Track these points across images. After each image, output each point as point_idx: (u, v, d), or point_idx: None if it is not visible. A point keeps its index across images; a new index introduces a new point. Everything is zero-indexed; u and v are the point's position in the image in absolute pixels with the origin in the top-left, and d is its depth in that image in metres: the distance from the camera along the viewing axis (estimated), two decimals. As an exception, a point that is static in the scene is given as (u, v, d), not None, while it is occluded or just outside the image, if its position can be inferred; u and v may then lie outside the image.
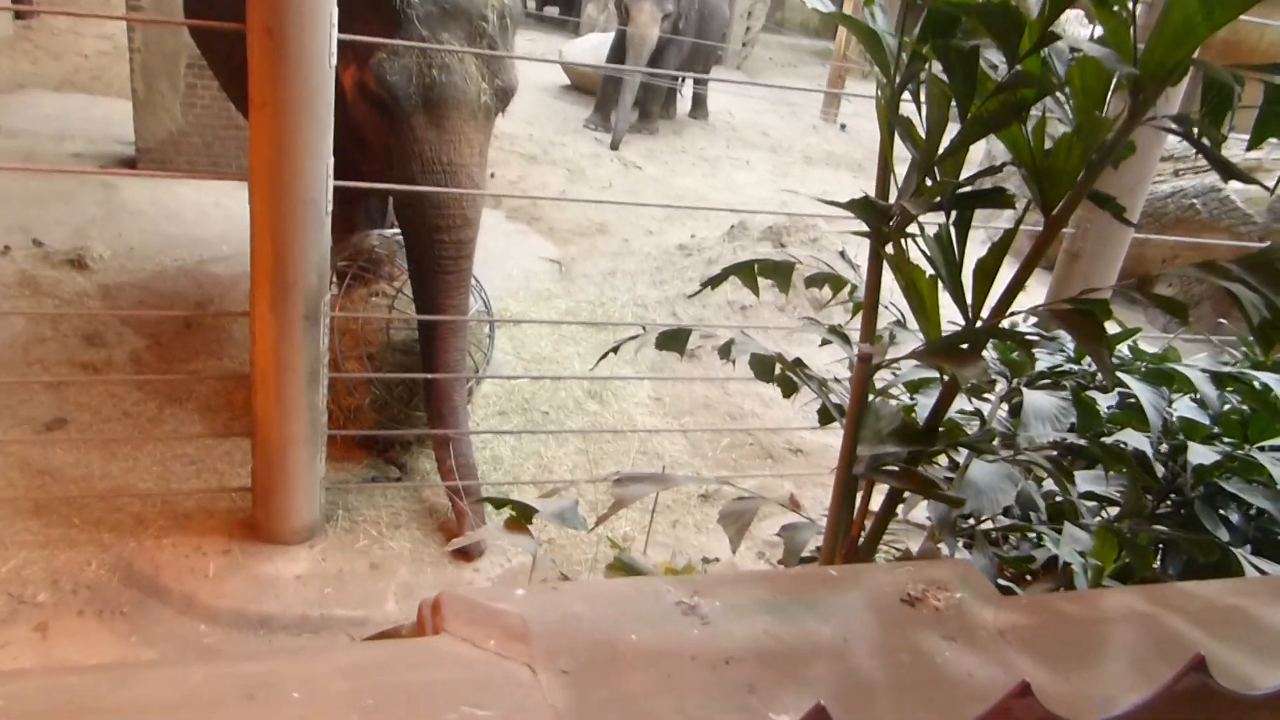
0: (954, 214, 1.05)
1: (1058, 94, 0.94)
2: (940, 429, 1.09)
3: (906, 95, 1.05)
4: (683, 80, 11.22)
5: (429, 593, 2.53)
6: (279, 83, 2.60)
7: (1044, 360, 1.72)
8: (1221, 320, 4.46)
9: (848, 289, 1.46)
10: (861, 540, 1.14)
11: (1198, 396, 1.37)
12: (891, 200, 1.02)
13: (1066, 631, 0.67)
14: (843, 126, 12.00)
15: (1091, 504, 1.52)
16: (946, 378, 1.07)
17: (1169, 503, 1.49)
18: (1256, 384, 1.37)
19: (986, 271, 1.00)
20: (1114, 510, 1.48)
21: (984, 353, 1.59)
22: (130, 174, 6.53)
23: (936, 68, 0.96)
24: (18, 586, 2.86)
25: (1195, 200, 6.60)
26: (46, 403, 3.81)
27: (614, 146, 9.38)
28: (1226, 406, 1.43)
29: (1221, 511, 1.42)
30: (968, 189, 1.02)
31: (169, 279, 5.10)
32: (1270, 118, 0.91)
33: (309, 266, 2.81)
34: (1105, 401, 1.56)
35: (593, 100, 10.45)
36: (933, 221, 1.07)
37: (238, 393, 3.95)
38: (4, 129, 7.08)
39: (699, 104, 11.44)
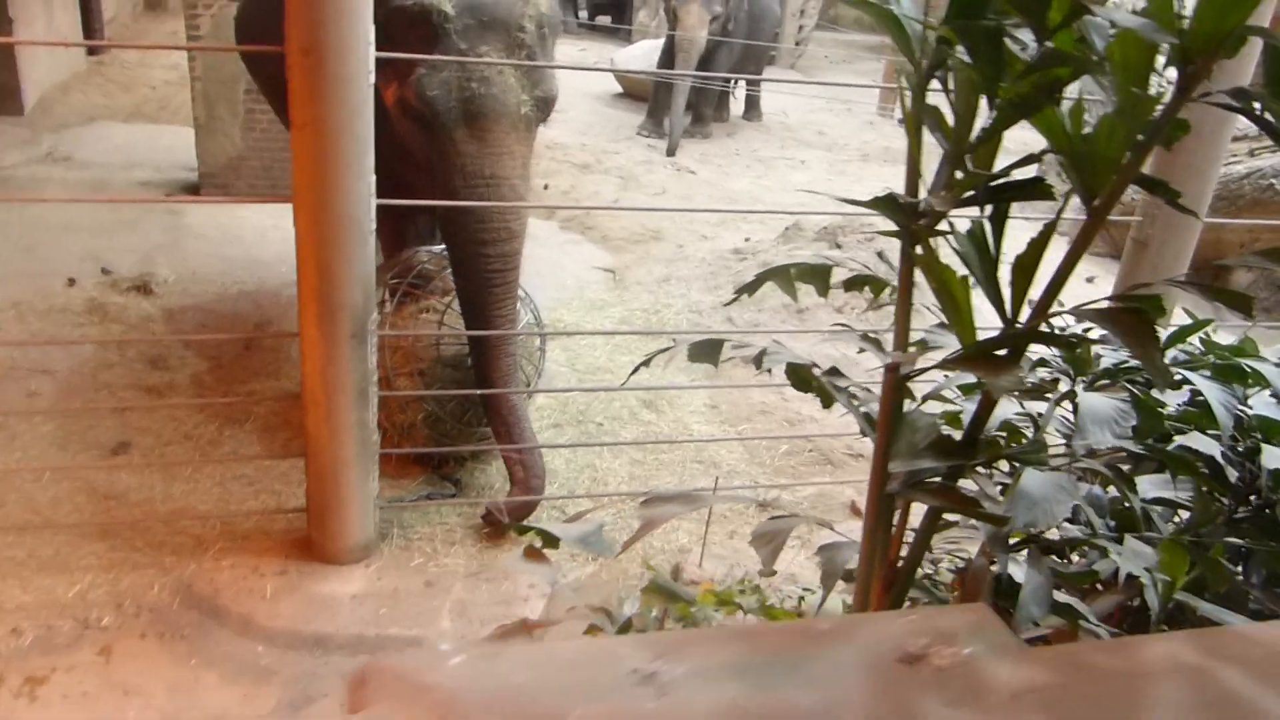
0: (988, 208, 0.97)
1: (1097, 73, 0.86)
2: (982, 440, 1.02)
3: (936, 85, 0.98)
4: (735, 82, 11.14)
5: (484, 610, 2.49)
6: (318, 103, 2.61)
7: (1110, 358, 1.62)
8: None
9: (888, 291, 1.39)
10: (901, 561, 1.07)
11: (1276, 392, 1.26)
12: (923, 196, 0.95)
13: (1097, 691, 0.59)
14: (901, 121, 11.77)
15: (1163, 510, 1.43)
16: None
17: (1248, 507, 1.38)
18: (1337, 381, 1.27)
19: (1025, 268, 0.93)
20: (1186, 517, 1.38)
21: (1047, 352, 1.51)
22: (181, 200, 6.69)
23: (962, 51, 0.89)
24: (83, 610, 2.90)
25: (1274, 180, 6.32)
26: (112, 427, 3.89)
27: (670, 153, 9.33)
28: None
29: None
30: (1002, 180, 0.95)
31: (230, 301, 5.19)
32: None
33: (354, 285, 2.81)
34: (1177, 399, 1.46)
35: (645, 107, 10.42)
36: (969, 217, 1.00)
37: (294, 413, 3.98)
38: (76, 160, 7.32)
39: (752, 105, 11.34)
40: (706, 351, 1.31)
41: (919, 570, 1.29)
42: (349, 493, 3.08)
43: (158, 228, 6.07)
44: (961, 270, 0.98)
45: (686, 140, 9.91)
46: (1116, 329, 0.85)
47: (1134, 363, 1.53)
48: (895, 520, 1.08)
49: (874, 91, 12.41)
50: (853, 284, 1.36)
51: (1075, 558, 1.36)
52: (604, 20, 16.88)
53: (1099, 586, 1.50)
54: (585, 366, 4.77)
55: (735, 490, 3.71)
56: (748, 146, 10.15)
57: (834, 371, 1.21)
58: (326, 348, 2.86)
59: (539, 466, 3.49)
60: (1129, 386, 1.17)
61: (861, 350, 1.24)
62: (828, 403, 1.25)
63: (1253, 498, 1.31)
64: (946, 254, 1.01)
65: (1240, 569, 1.42)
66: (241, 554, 3.19)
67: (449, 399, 3.65)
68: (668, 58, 9.83)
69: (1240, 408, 1.28)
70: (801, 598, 1.86)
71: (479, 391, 3.49)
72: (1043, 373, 1.50)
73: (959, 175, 0.95)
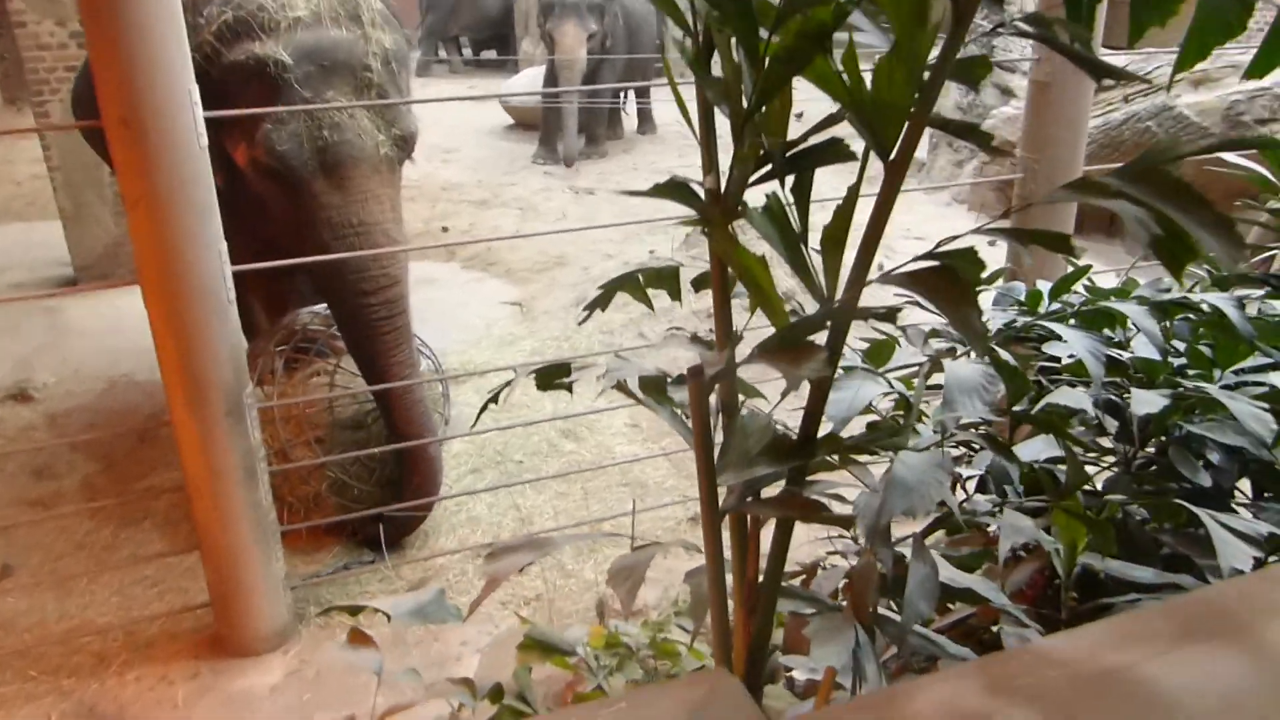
0: (789, 180, 0.88)
1: (866, 13, 0.77)
2: (820, 436, 0.91)
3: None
4: (624, 98, 11.12)
5: (416, 678, 2.30)
6: (147, 176, 2.44)
7: (1000, 319, 1.54)
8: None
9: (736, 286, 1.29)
10: (762, 578, 0.96)
11: (1144, 330, 1.19)
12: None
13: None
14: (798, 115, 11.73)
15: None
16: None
17: (1144, 455, 1.30)
18: (1205, 307, 1.19)
19: (834, 240, 0.83)
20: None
21: (939, 322, 1.42)
22: (38, 296, 6.39)
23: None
24: (-23, 754, 2.68)
25: (1149, 122, 6.44)
26: (-3, 549, 3.63)
27: (568, 164, 9.31)
28: (1190, 339, 1.25)
29: (1206, 455, 1.24)
30: (802, 147, 0.85)
31: (118, 395, 4.94)
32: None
33: (221, 361, 2.64)
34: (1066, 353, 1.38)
35: (537, 135, 10.33)
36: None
37: (195, 501, 3.78)
38: (-58, 272, 6.95)
39: (645, 118, 11.32)
40: (554, 376, 1.19)
41: (789, 581, 1.20)
42: (253, 578, 2.89)
43: (34, 329, 5.75)
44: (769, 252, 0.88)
45: (583, 162, 9.84)
46: (927, 291, 0.75)
47: (1015, 320, 1.45)
48: (748, 534, 0.98)
49: (760, 88, 12.48)
50: (701, 283, 1.25)
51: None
52: (489, 54, 16.78)
53: (1023, 555, 1.42)
54: (500, 405, 4.61)
55: (564, 539, 3.60)
56: (645, 160, 10.11)
57: (671, 381, 1.10)
58: (202, 431, 2.68)
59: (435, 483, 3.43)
60: (997, 350, 1.08)
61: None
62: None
63: (1149, 449, 1.24)
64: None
65: (1148, 518, 1.35)
66: (148, 663, 2.97)
67: (352, 462, 3.48)
68: (552, 82, 9.77)
69: (1115, 353, 1.20)
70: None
71: (375, 450, 3.35)
72: (937, 344, 1.42)
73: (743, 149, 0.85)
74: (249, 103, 2.98)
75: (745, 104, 0.83)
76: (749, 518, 0.97)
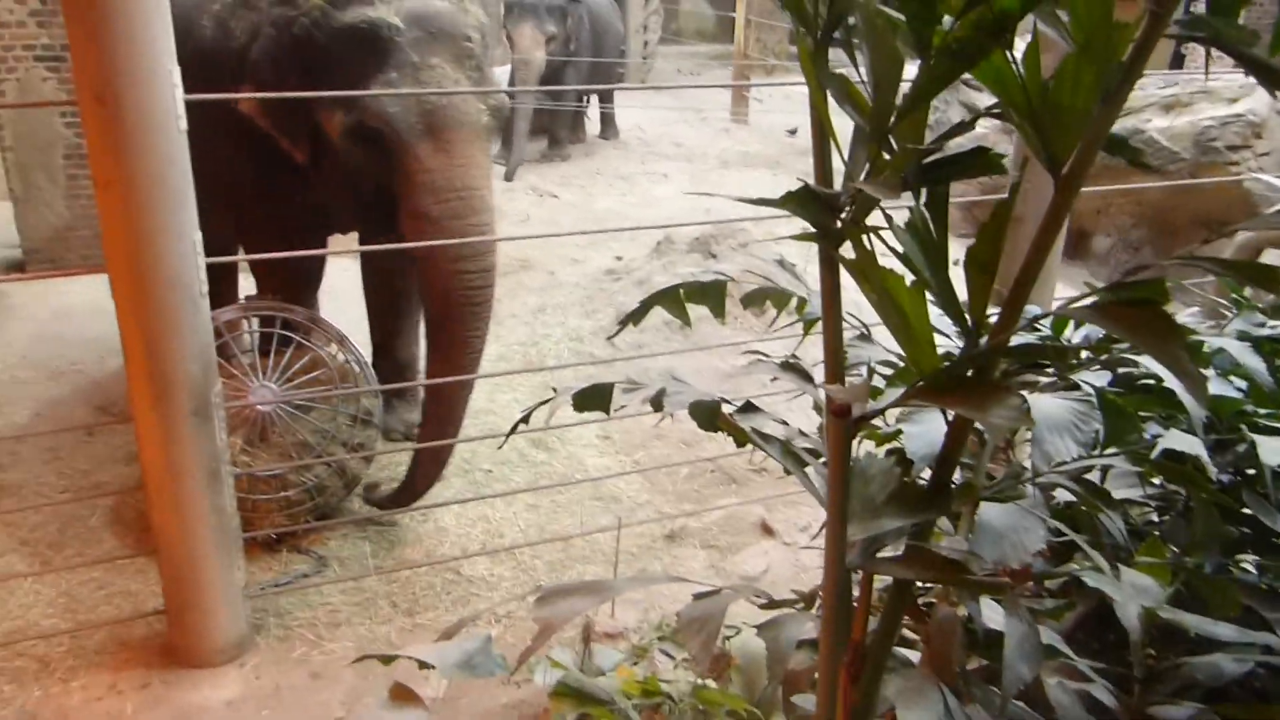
0: (924, 193, 0.80)
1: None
2: (953, 483, 0.84)
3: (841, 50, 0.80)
4: (587, 101, 11.02)
5: (379, 696, 2.18)
6: (123, 158, 2.30)
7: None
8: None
9: (793, 303, 1.21)
10: (869, 639, 0.88)
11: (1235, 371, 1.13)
12: (839, 186, 0.78)
13: None
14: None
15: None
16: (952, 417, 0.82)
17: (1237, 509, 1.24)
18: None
19: (984, 264, 0.75)
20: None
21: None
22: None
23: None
24: (-94, 768, 2.49)
25: (1119, 147, 6.51)
26: (-68, 546, 3.42)
27: (507, 178, 9.02)
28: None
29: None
30: (938, 156, 0.78)
31: (67, 385, 4.72)
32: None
33: (189, 357, 2.49)
34: (1101, 382, 1.32)
35: (499, 137, 10.17)
36: (899, 207, 0.83)
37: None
38: (-122, 250, 6.62)
39: (608, 123, 11.23)
40: (594, 399, 1.10)
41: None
42: (210, 586, 2.74)
43: (-23, 313, 5.50)
44: (904, 273, 0.80)
45: (545, 165, 9.72)
46: (1125, 328, 0.68)
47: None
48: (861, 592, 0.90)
49: (726, 98, 12.49)
50: (752, 299, 1.18)
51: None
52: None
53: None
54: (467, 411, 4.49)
55: (622, 583, 3.51)
56: (608, 165, 10.02)
57: (749, 407, 1.02)
58: (165, 429, 2.54)
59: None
60: (1086, 383, 1.01)
61: (775, 379, 1.05)
62: (743, 442, 1.06)
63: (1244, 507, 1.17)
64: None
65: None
66: (95, 671, 2.81)
67: (331, 467, 3.36)
68: (511, 83, 9.62)
69: (1229, 391, 1.15)
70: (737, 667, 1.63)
71: (342, 458, 3.23)
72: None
73: (886, 156, 0.77)
74: (356, 66, 3.03)
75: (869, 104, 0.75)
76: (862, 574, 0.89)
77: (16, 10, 5.66)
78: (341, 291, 4.83)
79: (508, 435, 1.37)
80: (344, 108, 3.09)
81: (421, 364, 4.45)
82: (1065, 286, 4.28)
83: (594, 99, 11.11)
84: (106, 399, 4.57)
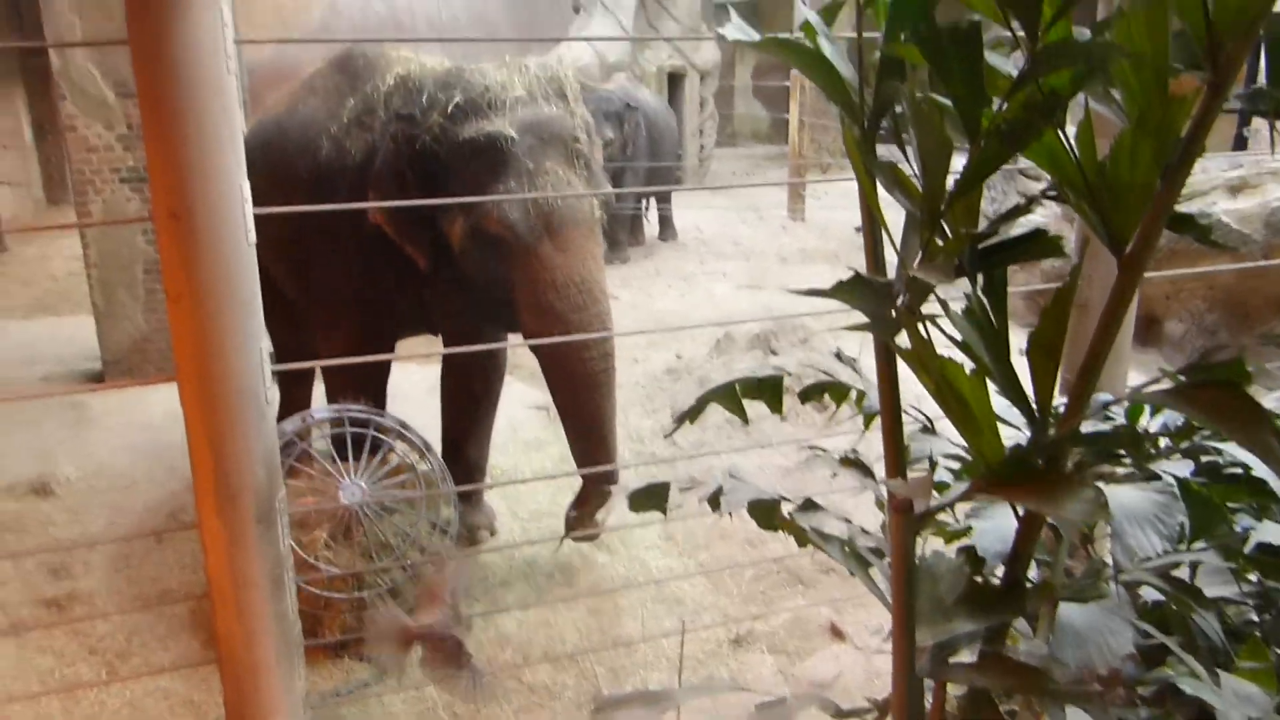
0: (981, 278, 0.78)
1: (1109, 76, 0.68)
2: (1029, 582, 0.79)
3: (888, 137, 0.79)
4: (646, 204, 11.24)
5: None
6: (194, 272, 2.37)
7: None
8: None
9: (852, 396, 1.18)
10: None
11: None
12: (891, 275, 0.76)
13: None
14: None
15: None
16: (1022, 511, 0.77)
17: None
18: None
19: (1048, 348, 0.72)
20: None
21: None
22: (66, 391, 6.33)
23: (921, 79, 0.71)
24: None
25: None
26: (6, 653, 3.46)
27: None
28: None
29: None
30: (993, 240, 0.76)
31: (139, 492, 4.81)
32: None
33: (254, 463, 2.52)
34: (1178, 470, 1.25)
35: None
36: (956, 296, 0.80)
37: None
38: (-27, 363, 6.93)
39: (665, 224, 11.42)
40: (650, 499, 1.07)
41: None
42: (273, 697, 2.70)
43: (59, 423, 5.68)
44: (964, 361, 0.77)
45: (607, 267, 9.88)
46: (1209, 413, 0.64)
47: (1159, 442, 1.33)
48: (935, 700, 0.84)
49: (783, 196, 12.64)
50: (810, 394, 1.15)
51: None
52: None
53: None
54: (528, 513, 4.47)
55: (682, 692, 3.41)
56: (667, 265, 10.14)
57: (809, 505, 0.98)
58: (230, 536, 2.54)
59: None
60: (1167, 473, 0.96)
61: (835, 475, 1.02)
62: (804, 543, 1.02)
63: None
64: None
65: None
66: (157, 785, 2.78)
67: (407, 572, 3.35)
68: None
69: None
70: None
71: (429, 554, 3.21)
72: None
73: (939, 240, 0.75)
74: (476, 176, 3.25)
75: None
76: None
77: (105, 135, 6.01)
78: (405, 394, 4.89)
79: (564, 538, 1.34)
80: (465, 214, 3.30)
81: (488, 464, 4.49)
82: (1138, 373, 4.16)
83: (652, 202, 11.33)
84: (176, 506, 4.65)
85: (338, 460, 3.46)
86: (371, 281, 3.72)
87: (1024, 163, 0.84)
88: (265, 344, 2.52)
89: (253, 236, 2.45)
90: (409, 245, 3.45)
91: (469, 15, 18.33)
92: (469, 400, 4.26)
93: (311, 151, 3.65)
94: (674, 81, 14.77)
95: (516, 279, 3.32)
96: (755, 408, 1.47)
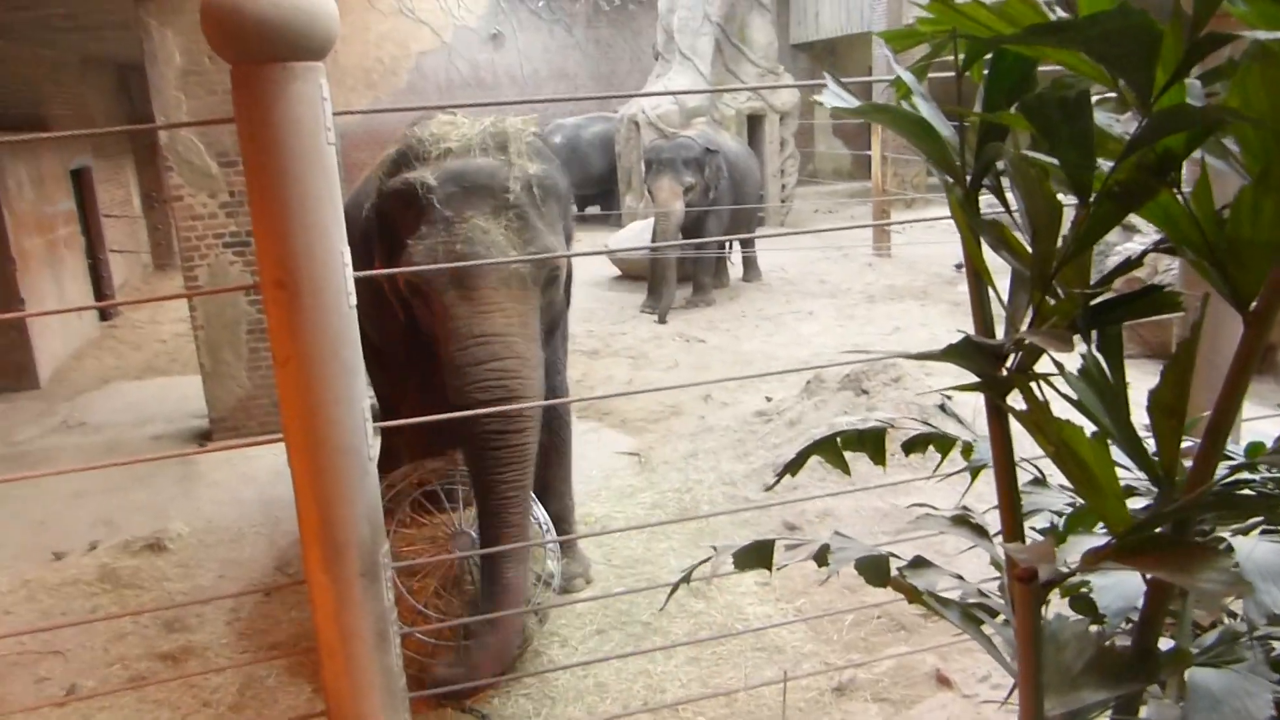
0: (1095, 336, 0.76)
1: (1231, 131, 0.66)
2: (1158, 649, 0.76)
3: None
4: (730, 247, 11.27)
5: None
6: (298, 337, 2.47)
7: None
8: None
9: (957, 448, 1.16)
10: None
11: None
12: (1000, 336, 0.75)
13: None
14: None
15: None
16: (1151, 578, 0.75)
17: None
18: None
19: (1170, 408, 0.70)
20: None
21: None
22: (174, 456, 6.59)
23: (1024, 144, 0.70)
24: None
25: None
26: (125, 705, 3.59)
27: (660, 320, 9.44)
28: None
29: None
30: (1107, 297, 0.74)
31: (247, 547, 4.98)
32: None
33: (359, 519, 2.59)
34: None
35: (644, 285, 10.50)
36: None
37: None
38: (90, 425, 7.30)
39: (750, 266, 11.42)
40: (755, 558, 1.07)
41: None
42: (380, 750, 2.75)
43: (169, 481, 5.93)
44: (1081, 423, 0.75)
45: (691, 311, 9.93)
46: None
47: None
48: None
49: (867, 234, 12.53)
50: (914, 446, 1.13)
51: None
52: (593, 210, 17.37)
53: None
54: (622, 561, 4.47)
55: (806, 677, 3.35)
56: (753, 307, 10.13)
57: (920, 563, 0.97)
58: (336, 591, 2.61)
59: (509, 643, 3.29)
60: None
61: (941, 533, 1.00)
62: (915, 600, 1.00)
63: None
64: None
65: None
66: (270, 838, 2.84)
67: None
68: (653, 235, 10.00)
69: None
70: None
71: (486, 617, 3.23)
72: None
73: (1049, 301, 0.74)
74: (398, 224, 3.33)
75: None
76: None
77: (209, 204, 6.31)
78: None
79: (668, 599, 1.34)
80: (388, 266, 3.35)
81: (574, 514, 4.49)
82: (1252, 404, 3.97)
83: (736, 244, 11.37)
84: (283, 559, 4.79)
85: (447, 509, 3.53)
86: (403, 338, 3.73)
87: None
88: (366, 404, 2.60)
89: (353, 300, 2.54)
90: (393, 300, 3.50)
91: (549, 69, 18.81)
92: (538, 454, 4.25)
93: (354, 216, 3.73)
94: (753, 123, 14.84)
95: (434, 330, 3.33)
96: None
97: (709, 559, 1.15)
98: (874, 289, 10.52)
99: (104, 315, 10.99)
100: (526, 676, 3.55)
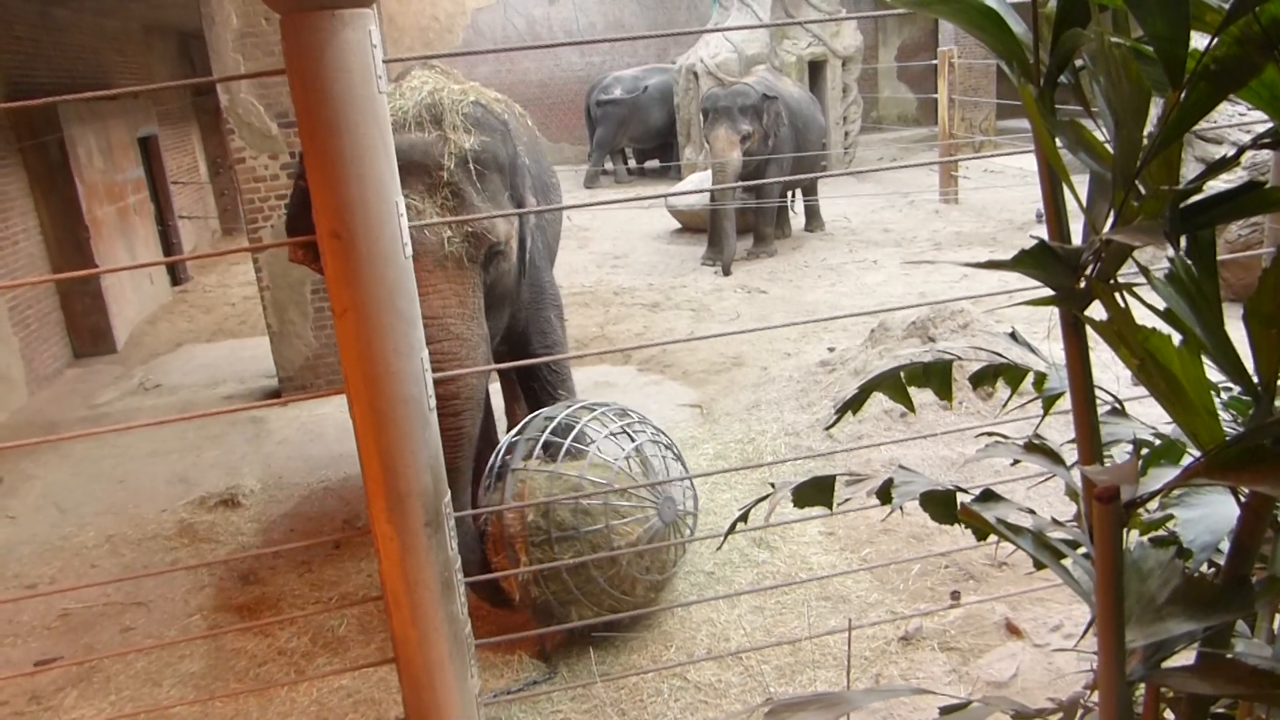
0: (1184, 240, 0.70)
1: None
2: (1251, 578, 0.71)
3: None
4: (791, 195, 11.08)
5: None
6: (355, 287, 2.46)
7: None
8: None
9: (1030, 378, 1.10)
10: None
11: None
12: (1077, 241, 0.69)
13: None
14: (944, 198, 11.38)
15: None
16: (1244, 499, 0.69)
17: None
18: None
19: (1269, 316, 0.64)
20: None
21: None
22: (243, 408, 6.72)
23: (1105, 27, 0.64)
24: None
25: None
26: (206, 653, 3.71)
27: (725, 272, 9.33)
28: None
29: None
30: (1200, 196, 0.68)
31: (316, 501, 5.08)
32: None
33: (421, 469, 2.60)
34: None
35: (704, 237, 10.39)
36: (1154, 264, 0.72)
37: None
38: (165, 387, 7.50)
39: (813, 215, 11.22)
40: (815, 494, 1.03)
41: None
42: (448, 695, 2.78)
43: (241, 439, 6.08)
44: (1170, 333, 0.69)
45: (753, 262, 9.81)
46: None
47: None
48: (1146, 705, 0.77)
49: (934, 179, 12.22)
50: (982, 378, 1.07)
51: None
52: (652, 164, 17.21)
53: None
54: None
55: (859, 694, 3.31)
56: (815, 257, 9.97)
57: (989, 496, 0.91)
58: (402, 541, 2.63)
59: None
60: None
61: (1016, 462, 0.95)
62: (985, 535, 0.95)
63: None
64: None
65: None
66: (344, 780, 2.91)
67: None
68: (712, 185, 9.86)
69: None
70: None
71: (575, 560, 3.24)
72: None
73: (1134, 201, 0.67)
74: None
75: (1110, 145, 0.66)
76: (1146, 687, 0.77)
77: (270, 165, 6.38)
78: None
79: (726, 535, 1.31)
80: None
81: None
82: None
83: (798, 193, 11.17)
84: (351, 512, 4.88)
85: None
86: None
87: (1200, 124, 0.75)
88: (425, 354, 2.61)
89: (409, 249, 2.52)
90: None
91: (605, 22, 18.62)
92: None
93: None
94: (815, 69, 14.52)
95: None
96: (917, 396, 1.39)
97: (767, 495, 1.11)
98: (941, 236, 10.27)
99: (175, 280, 11.25)
100: (591, 625, 3.57)
